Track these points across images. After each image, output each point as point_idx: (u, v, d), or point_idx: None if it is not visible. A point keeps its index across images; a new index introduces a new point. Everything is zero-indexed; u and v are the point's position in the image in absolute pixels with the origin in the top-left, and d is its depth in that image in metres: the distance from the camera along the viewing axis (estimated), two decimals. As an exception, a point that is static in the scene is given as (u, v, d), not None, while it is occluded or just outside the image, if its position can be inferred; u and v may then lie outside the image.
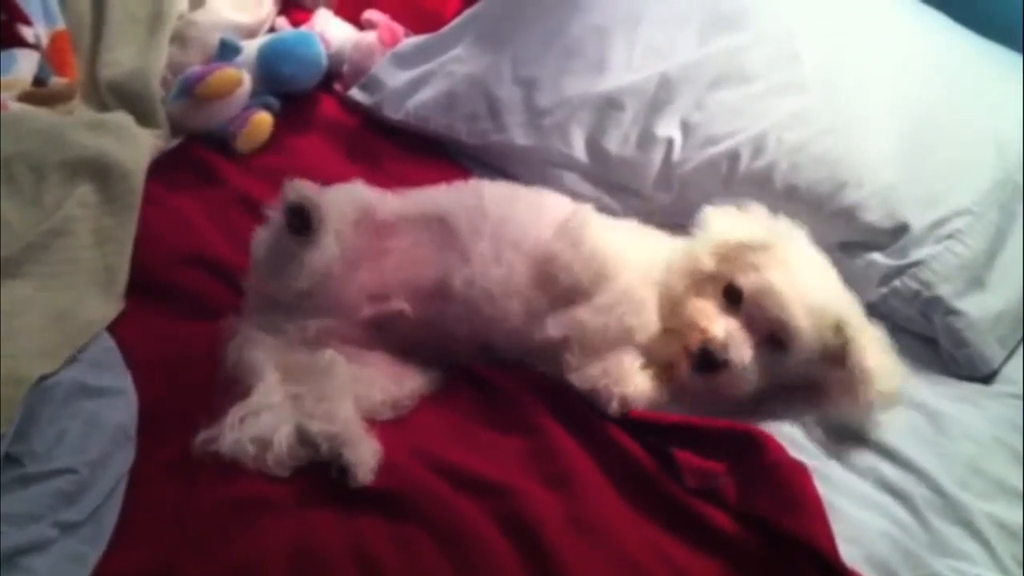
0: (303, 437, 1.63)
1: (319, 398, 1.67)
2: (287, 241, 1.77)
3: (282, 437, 1.62)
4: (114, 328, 1.92)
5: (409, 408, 1.75)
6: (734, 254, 1.73)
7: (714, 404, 1.70)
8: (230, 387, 1.74)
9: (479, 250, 1.80)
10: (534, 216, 1.86)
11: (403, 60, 2.55)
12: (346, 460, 1.57)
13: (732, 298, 1.70)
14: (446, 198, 1.92)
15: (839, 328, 1.69)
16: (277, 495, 1.57)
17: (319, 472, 1.60)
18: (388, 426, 1.69)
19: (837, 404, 1.71)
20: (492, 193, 1.92)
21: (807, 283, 1.68)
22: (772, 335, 1.67)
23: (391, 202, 1.94)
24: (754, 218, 1.81)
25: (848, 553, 1.49)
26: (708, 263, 1.73)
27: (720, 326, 1.67)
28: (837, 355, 1.70)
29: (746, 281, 1.69)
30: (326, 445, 1.60)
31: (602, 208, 2.15)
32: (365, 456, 1.58)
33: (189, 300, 2.00)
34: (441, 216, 1.87)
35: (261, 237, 1.84)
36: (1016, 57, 2.34)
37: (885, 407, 1.72)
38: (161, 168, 2.28)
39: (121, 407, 1.74)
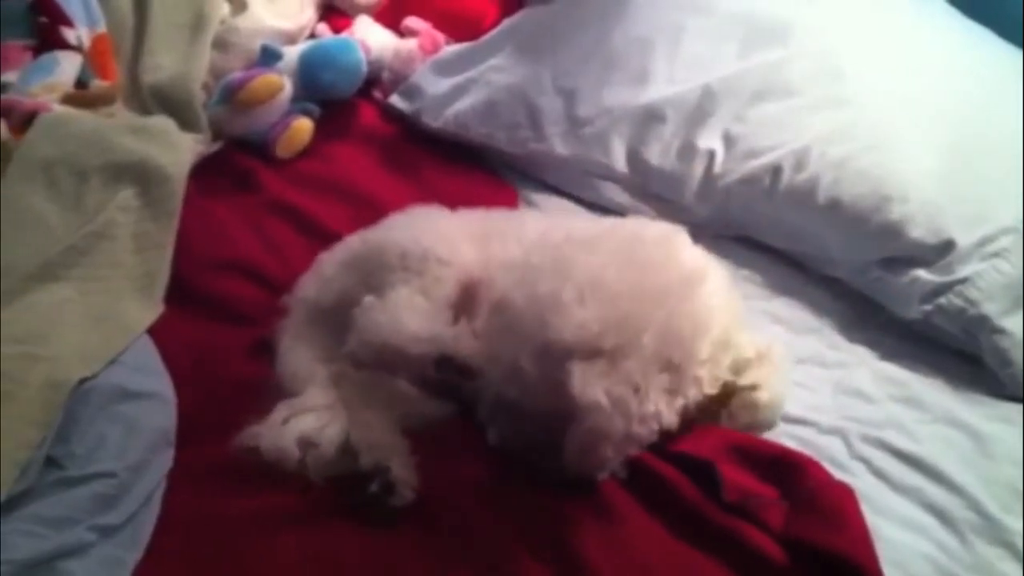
0: (347, 447, 1.61)
1: (364, 410, 1.66)
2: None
3: (330, 438, 1.61)
4: (152, 332, 1.92)
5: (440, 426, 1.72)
6: None
7: None
8: (276, 392, 1.73)
9: None
10: None
11: (443, 68, 2.55)
12: (394, 476, 1.54)
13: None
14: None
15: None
16: (308, 511, 1.56)
17: (346, 486, 1.58)
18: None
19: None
20: None
21: (507, 344, 1.55)
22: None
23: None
24: None
25: None
26: None
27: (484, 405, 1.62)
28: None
29: None
30: (370, 457, 1.57)
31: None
32: (409, 474, 1.56)
33: (225, 306, 2.00)
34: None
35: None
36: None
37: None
38: (199, 173, 2.28)
39: (161, 411, 1.74)
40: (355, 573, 1.47)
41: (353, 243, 1.90)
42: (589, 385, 1.46)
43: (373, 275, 1.77)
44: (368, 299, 1.72)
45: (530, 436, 1.56)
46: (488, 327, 1.62)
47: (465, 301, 1.77)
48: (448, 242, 1.77)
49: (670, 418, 1.54)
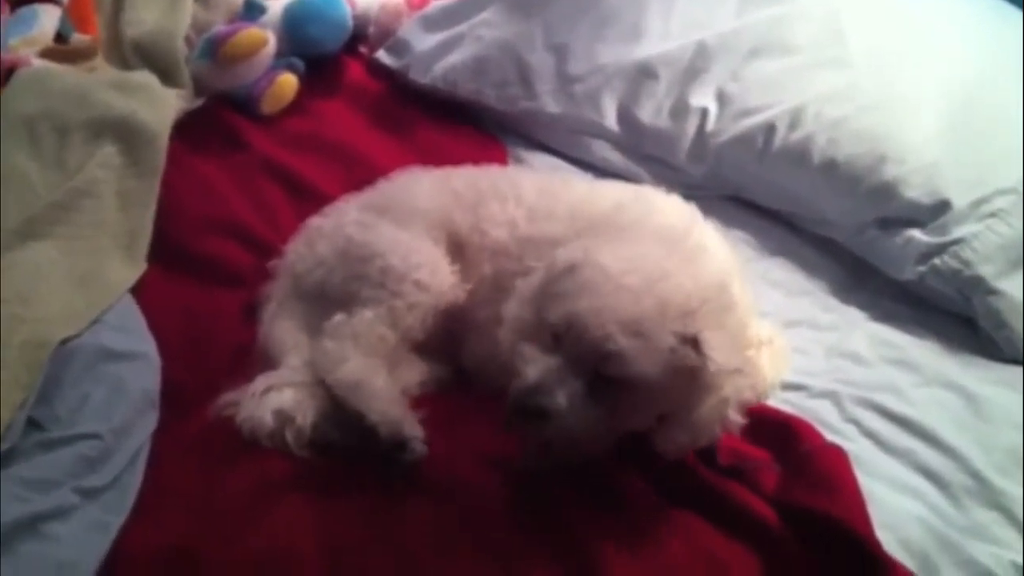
0: (324, 419, 1.59)
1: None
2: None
3: (307, 413, 1.59)
4: (136, 294, 1.89)
5: (434, 390, 1.71)
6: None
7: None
8: (259, 357, 1.71)
9: None
10: None
11: (431, 23, 2.51)
12: (407, 433, 1.53)
13: (555, 337, 1.45)
14: None
15: (685, 321, 1.42)
16: (302, 478, 1.54)
17: (344, 456, 1.57)
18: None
19: (688, 407, 1.46)
20: None
21: (624, 296, 1.41)
22: (597, 368, 1.42)
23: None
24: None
25: (883, 538, 1.46)
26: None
27: (535, 368, 1.44)
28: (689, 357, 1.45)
29: (552, 314, 1.45)
30: (377, 416, 1.54)
31: (632, 179, 2.12)
32: (416, 430, 1.54)
33: (212, 266, 1.98)
34: None
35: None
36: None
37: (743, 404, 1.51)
38: (184, 130, 2.25)
39: (145, 372, 1.72)
40: (356, 540, 1.44)
41: (348, 222, 1.80)
42: (721, 350, 1.40)
43: (353, 279, 1.72)
44: (337, 319, 1.68)
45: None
46: (555, 286, 1.47)
47: (455, 255, 1.76)
48: (432, 265, 1.72)
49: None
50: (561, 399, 1.41)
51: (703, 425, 1.45)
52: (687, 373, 1.41)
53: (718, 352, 1.41)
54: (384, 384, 1.61)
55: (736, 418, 1.47)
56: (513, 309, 1.55)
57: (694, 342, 1.40)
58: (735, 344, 1.46)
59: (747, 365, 1.49)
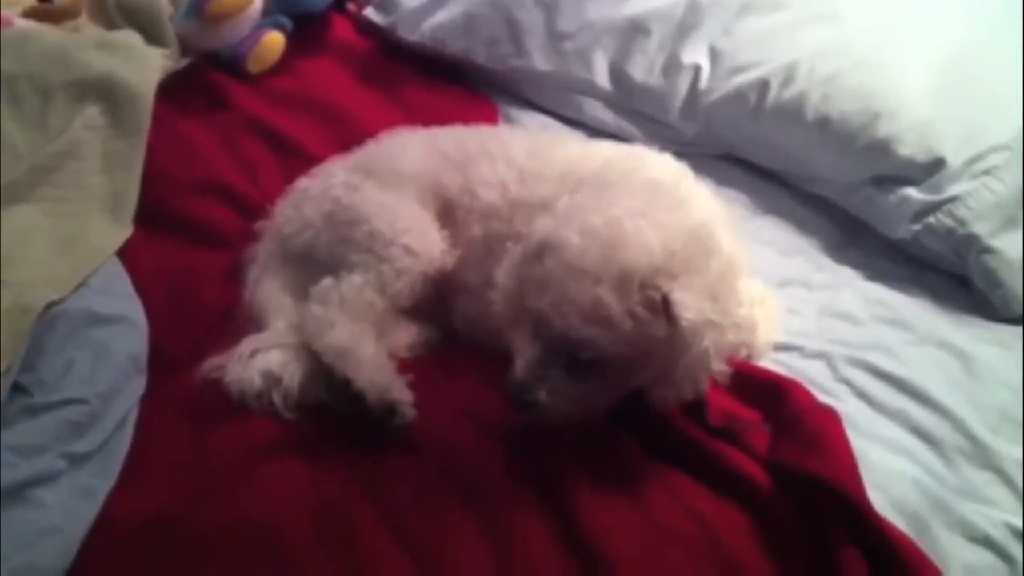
0: (312, 378, 1.59)
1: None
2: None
3: (294, 375, 1.58)
4: (122, 257, 1.87)
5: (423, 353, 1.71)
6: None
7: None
8: (245, 319, 1.70)
9: None
10: None
11: (420, -21, 2.47)
12: (395, 397, 1.52)
13: (535, 323, 1.47)
14: None
15: (651, 285, 1.41)
16: (291, 440, 1.53)
17: (333, 419, 1.56)
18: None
19: (672, 364, 1.44)
20: None
21: (583, 282, 1.40)
22: (573, 353, 1.44)
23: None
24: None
25: (875, 499, 1.45)
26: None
27: (520, 361, 1.47)
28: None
29: (528, 301, 1.46)
30: (365, 383, 1.53)
31: (624, 138, 2.10)
32: (405, 394, 1.54)
33: (199, 228, 1.96)
34: None
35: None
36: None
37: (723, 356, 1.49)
38: (170, 90, 2.23)
39: (131, 336, 1.71)
40: (345, 500, 1.44)
41: (336, 184, 1.78)
42: (692, 306, 1.39)
43: (340, 243, 1.71)
44: (324, 283, 1.66)
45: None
46: (528, 273, 1.48)
47: (442, 219, 1.74)
48: (420, 230, 1.70)
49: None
50: (542, 395, 1.45)
51: (687, 379, 1.45)
52: (664, 335, 1.41)
53: (689, 308, 1.39)
54: (372, 350, 1.59)
55: (722, 367, 1.47)
56: (502, 278, 1.54)
57: (664, 302, 1.39)
58: (711, 292, 1.43)
59: (727, 312, 1.46)
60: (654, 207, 1.47)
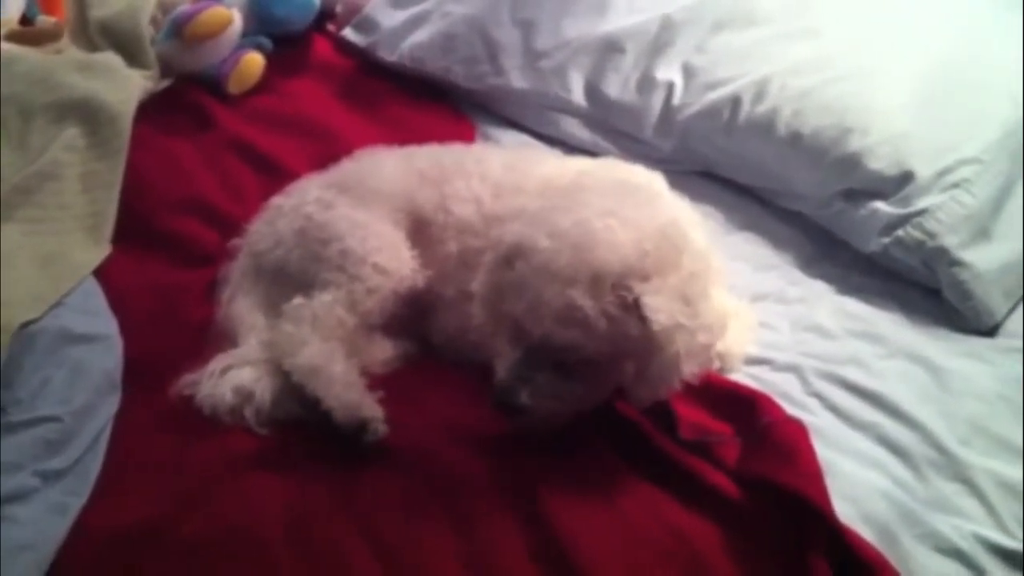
0: (284, 395, 1.60)
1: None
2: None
3: (265, 390, 1.59)
4: (102, 275, 1.89)
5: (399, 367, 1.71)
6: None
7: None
8: (218, 336, 1.71)
9: None
10: None
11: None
12: (365, 415, 1.53)
13: (515, 329, 1.50)
14: None
15: (623, 285, 1.43)
16: (267, 451, 1.54)
17: (309, 430, 1.57)
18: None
19: (647, 366, 1.47)
20: None
21: (555, 286, 1.42)
22: (554, 356, 1.47)
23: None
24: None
25: (845, 512, 1.45)
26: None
27: (503, 367, 1.49)
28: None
29: (505, 308, 1.49)
30: (335, 402, 1.54)
31: (601, 155, 2.11)
32: (376, 411, 1.54)
33: (180, 246, 1.98)
34: None
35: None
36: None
37: (696, 361, 1.51)
38: (152, 111, 2.25)
39: (106, 354, 1.72)
40: (321, 512, 1.45)
41: (308, 202, 1.78)
42: (663, 309, 1.41)
43: (312, 260, 1.72)
44: (296, 302, 1.67)
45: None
46: (501, 279, 1.50)
47: (416, 236, 1.75)
48: (391, 249, 1.71)
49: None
50: (526, 398, 1.47)
51: (659, 379, 1.47)
52: (639, 334, 1.43)
53: (660, 312, 1.41)
54: (342, 368, 1.60)
55: (692, 369, 1.48)
56: (476, 287, 1.56)
57: (636, 304, 1.41)
58: (682, 293, 1.45)
59: (698, 314, 1.47)
60: (623, 205, 1.49)
